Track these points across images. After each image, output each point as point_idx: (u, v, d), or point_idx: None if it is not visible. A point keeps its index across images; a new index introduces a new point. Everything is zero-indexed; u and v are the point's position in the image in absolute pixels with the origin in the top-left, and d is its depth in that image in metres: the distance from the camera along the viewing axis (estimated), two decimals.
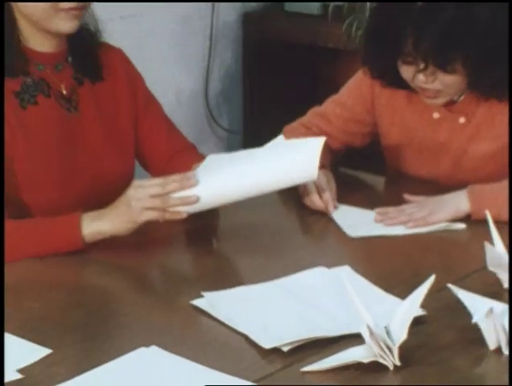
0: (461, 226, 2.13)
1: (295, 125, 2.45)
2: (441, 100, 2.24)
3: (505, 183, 2.14)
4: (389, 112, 2.35)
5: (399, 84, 2.25)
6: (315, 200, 2.18)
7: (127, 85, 2.20)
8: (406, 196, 2.21)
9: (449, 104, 2.28)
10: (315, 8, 3.43)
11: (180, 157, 2.21)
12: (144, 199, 1.92)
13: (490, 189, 2.15)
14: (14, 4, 2.02)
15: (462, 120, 2.28)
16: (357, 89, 2.39)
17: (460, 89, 2.22)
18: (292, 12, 3.50)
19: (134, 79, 2.23)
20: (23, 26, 2.05)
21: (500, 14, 2.13)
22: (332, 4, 3.35)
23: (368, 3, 3.20)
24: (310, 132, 2.40)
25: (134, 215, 1.92)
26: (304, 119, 2.45)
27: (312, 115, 2.45)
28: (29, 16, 2.03)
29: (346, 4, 3.31)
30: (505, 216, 2.07)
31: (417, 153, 2.34)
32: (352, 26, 3.23)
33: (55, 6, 1.99)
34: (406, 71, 2.18)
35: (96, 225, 1.94)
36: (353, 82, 2.42)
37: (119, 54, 2.23)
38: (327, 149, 2.36)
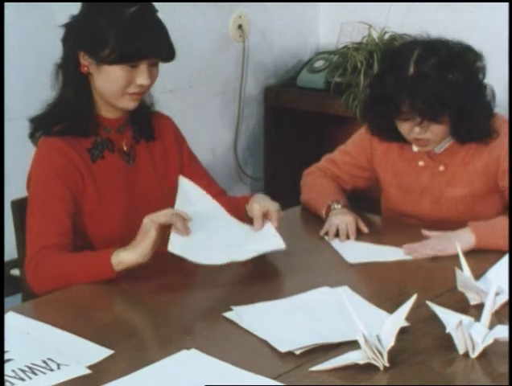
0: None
1: (312, 168, 2.45)
2: (430, 147, 2.23)
3: (500, 218, 2.14)
4: (383, 162, 2.34)
5: (394, 138, 2.25)
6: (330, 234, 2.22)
7: (175, 146, 2.20)
8: (424, 232, 2.16)
9: (432, 155, 2.26)
10: (320, 83, 3.43)
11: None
12: (154, 215, 1.88)
13: (488, 223, 2.12)
14: (91, 83, 2.03)
15: (441, 168, 2.27)
16: (359, 143, 2.39)
17: (444, 137, 2.20)
18: (302, 87, 3.49)
19: (181, 142, 2.22)
20: (97, 99, 2.06)
21: (471, 78, 2.14)
22: (333, 80, 3.35)
23: (362, 80, 3.20)
24: (325, 174, 2.41)
25: (147, 230, 1.87)
26: (319, 164, 2.46)
27: (325, 160, 2.45)
28: (102, 94, 2.03)
29: (345, 80, 3.31)
30: (502, 244, 2.04)
31: (404, 194, 2.32)
32: (349, 98, 3.22)
33: (123, 91, 2.00)
34: (404, 127, 2.17)
35: (121, 256, 1.89)
36: (356, 137, 2.42)
37: (169, 121, 2.22)
38: (341, 189, 2.38)
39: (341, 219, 2.22)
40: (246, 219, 2.10)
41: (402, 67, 2.10)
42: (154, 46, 1.97)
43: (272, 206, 2.07)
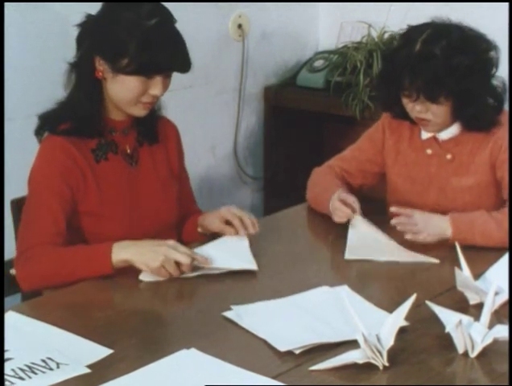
0: (436, 261, 2.07)
1: (322, 166, 2.45)
2: (432, 128, 2.24)
3: (481, 212, 2.14)
4: (394, 152, 2.35)
5: (402, 115, 2.26)
6: (341, 208, 2.18)
7: (177, 154, 2.21)
8: (392, 209, 2.17)
9: (440, 143, 2.27)
10: (320, 83, 3.42)
11: (187, 219, 2.22)
12: (167, 261, 1.89)
13: (468, 217, 2.13)
14: (104, 87, 2.02)
15: (449, 156, 2.27)
16: (370, 136, 2.40)
17: (447, 120, 2.21)
18: (302, 86, 3.48)
19: (182, 152, 2.24)
20: (107, 102, 2.05)
21: (476, 63, 2.15)
22: (333, 80, 3.35)
23: (361, 79, 3.20)
24: (332, 171, 2.40)
25: (152, 263, 1.89)
26: (330, 161, 2.46)
27: (335, 158, 2.46)
28: (114, 100, 2.03)
29: (344, 80, 3.30)
30: (478, 241, 2.08)
31: (412, 184, 2.32)
32: (349, 97, 3.22)
33: (136, 100, 2.01)
34: (406, 104, 2.20)
35: (123, 254, 1.90)
36: (367, 133, 2.43)
37: (174, 129, 2.23)
38: (345, 185, 2.36)
39: (333, 201, 2.21)
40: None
41: (411, 44, 2.13)
42: (173, 60, 1.98)
43: (224, 209, 2.11)
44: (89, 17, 2.02)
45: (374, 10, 3.44)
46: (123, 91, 1.99)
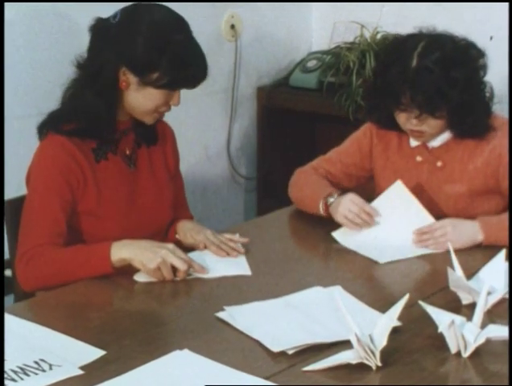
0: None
1: (306, 167, 2.44)
2: (424, 139, 2.23)
3: (507, 213, 2.12)
4: (383, 158, 2.34)
5: (391, 126, 2.26)
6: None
7: (173, 156, 2.21)
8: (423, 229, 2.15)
9: (429, 150, 2.26)
10: (313, 83, 3.42)
11: (176, 222, 2.20)
12: (164, 264, 1.89)
13: (497, 219, 2.12)
14: (120, 95, 2.00)
15: (439, 163, 2.27)
16: (358, 141, 2.39)
17: (440, 131, 2.21)
18: (295, 86, 3.49)
19: (178, 154, 2.24)
20: (123, 108, 2.03)
21: (473, 75, 2.15)
22: (326, 80, 3.35)
23: (354, 80, 3.20)
24: (317, 172, 2.39)
25: (149, 263, 1.89)
26: (313, 163, 2.44)
27: (320, 160, 2.44)
28: (132, 108, 2.03)
29: (337, 80, 3.30)
30: None
31: None
32: (342, 98, 3.22)
33: (156, 110, 2.01)
34: (402, 117, 2.18)
35: (122, 252, 1.91)
36: (354, 137, 2.41)
37: (171, 131, 2.23)
38: (331, 184, 2.36)
39: (346, 203, 2.20)
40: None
41: (406, 58, 2.11)
42: (201, 74, 2.00)
43: (202, 236, 2.10)
44: (105, 23, 1.98)
45: (367, 11, 3.44)
46: (146, 101, 1.99)
